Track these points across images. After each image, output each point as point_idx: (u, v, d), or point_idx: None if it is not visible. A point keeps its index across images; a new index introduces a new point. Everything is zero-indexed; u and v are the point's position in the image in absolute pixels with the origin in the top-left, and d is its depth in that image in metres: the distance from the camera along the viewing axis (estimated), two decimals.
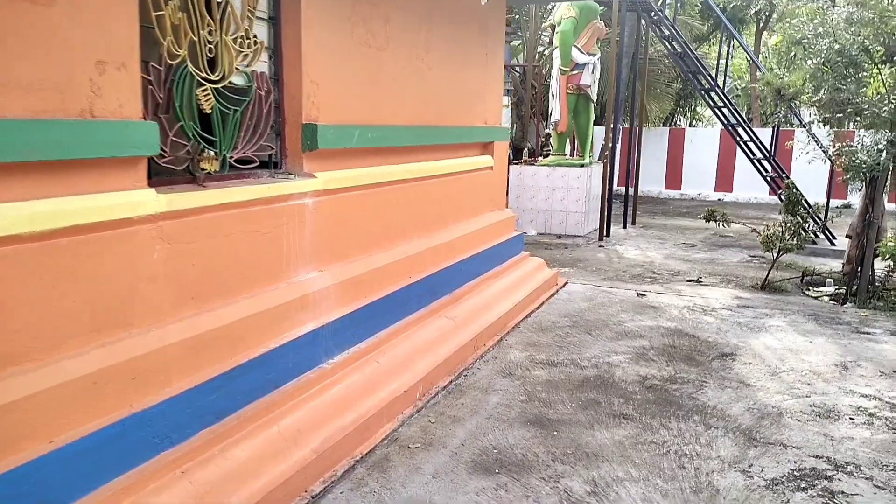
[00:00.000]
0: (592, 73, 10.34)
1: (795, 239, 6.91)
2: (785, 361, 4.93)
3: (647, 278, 7.66)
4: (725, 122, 10.66)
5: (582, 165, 10.56)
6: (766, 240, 6.86)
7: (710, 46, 22.14)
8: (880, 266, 6.82)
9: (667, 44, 11.11)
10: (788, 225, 6.89)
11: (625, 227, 11.50)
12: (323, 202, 3.74)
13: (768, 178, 9.77)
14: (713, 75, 11.19)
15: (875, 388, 4.45)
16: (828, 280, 7.49)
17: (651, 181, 16.82)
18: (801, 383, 4.52)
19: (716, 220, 7.29)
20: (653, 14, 10.54)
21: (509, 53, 14.29)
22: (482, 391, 4.30)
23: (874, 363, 4.92)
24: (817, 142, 9.48)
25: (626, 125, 14.82)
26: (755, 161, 10.06)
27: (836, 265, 8.49)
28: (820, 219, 9.71)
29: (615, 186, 17.20)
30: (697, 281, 7.53)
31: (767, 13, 20.37)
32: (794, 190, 7.21)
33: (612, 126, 10.37)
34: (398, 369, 4.07)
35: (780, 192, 9.49)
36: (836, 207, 13.88)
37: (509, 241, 6.57)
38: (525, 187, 10.88)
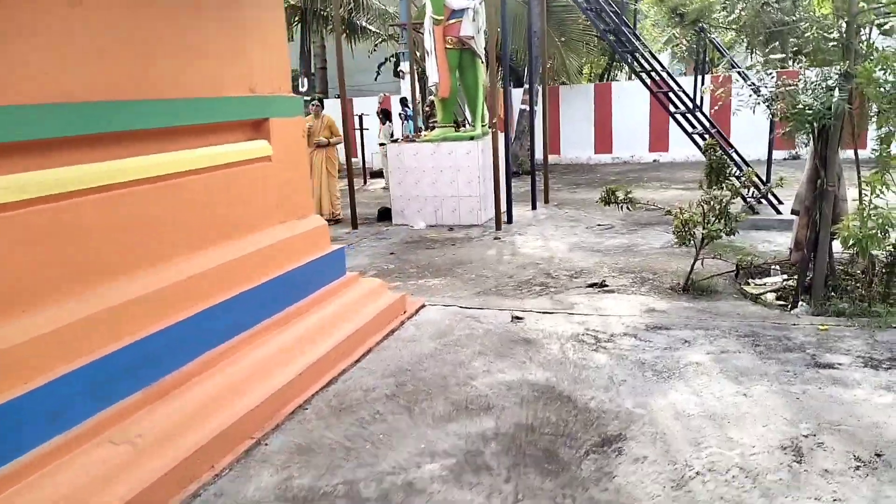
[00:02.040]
0: (474, 20, 8.26)
1: (723, 221, 5.00)
2: (702, 446, 3.02)
3: (537, 286, 5.71)
4: (650, 87, 8.61)
5: (472, 138, 8.53)
6: (681, 229, 4.93)
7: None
8: (840, 250, 4.99)
9: None
10: (712, 203, 4.98)
11: (534, 207, 9.54)
12: None
13: (694, 137, 7.89)
14: (636, 31, 9.07)
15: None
16: (773, 269, 5.64)
17: (578, 146, 14.92)
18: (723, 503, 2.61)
19: (616, 203, 5.34)
20: None
21: (406, 6, 12.10)
22: None
23: (844, 437, 3.04)
24: (746, 79, 7.64)
25: (544, 85, 12.77)
26: (677, 117, 8.13)
27: (784, 242, 6.66)
28: (761, 182, 7.88)
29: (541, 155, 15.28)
30: (601, 285, 5.60)
31: None
32: (718, 151, 5.28)
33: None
34: None
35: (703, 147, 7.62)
36: (783, 159, 12.11)
37: (317, 264, 4.53)
38: (407, 170, 8.83)
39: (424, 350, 4.36)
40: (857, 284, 4.91)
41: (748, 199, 7.15)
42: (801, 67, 5.12)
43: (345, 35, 16.59)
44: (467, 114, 9.30)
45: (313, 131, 9.05)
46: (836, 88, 4.37)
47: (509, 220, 8.57)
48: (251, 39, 4.08)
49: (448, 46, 8.40)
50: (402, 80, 13.59)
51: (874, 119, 4.80)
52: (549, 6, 13.87)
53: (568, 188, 11.47)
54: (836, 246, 4.77)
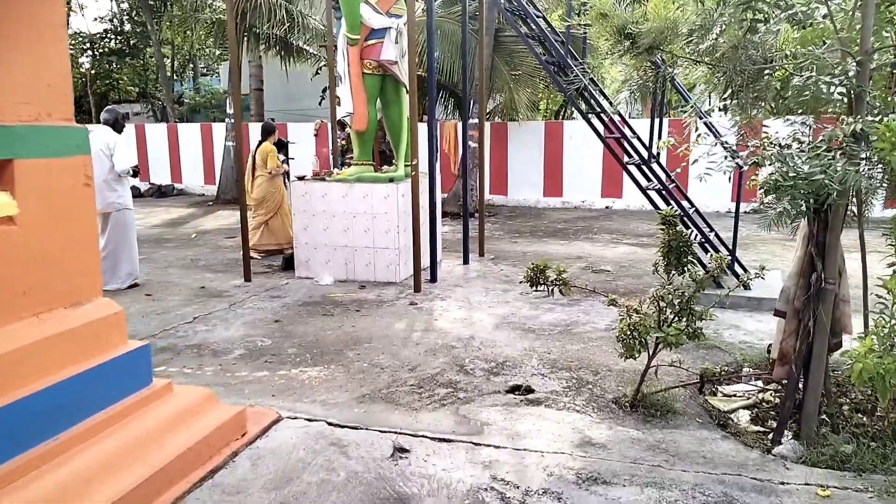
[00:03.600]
0: (397, 42, 6.94)
1: (685, 321, 3.70)
2: None
3: (443, 386, 4.32)
4: (598, 132, 7.25)
5: (391, 180, 7.16)
6: (628, 335, 3.59)
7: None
8: (835, 362, 3.75)
9: (509, 15, 7.62)
10: (670, 298, 3.67)
11: (465, 262, 8.19)
12: None
13: (650, 194, 6.64)
14: (585, 66, 7.71)
15: None
16: (745, 372, 4.37)
17: (526, 187, 13.73)
18: None
19: (545, 286, 3.99)
20: None
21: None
22: None
23: None
24: (714, 132, 6.50)
25: (490, 121, 11.27)
26: (631, 169, 6.88)
27: (755, 329, 5.43)
28: (727, 250, 6.70)
29: (488, 195, 14.05)
30: (525, 390, 4.24)
31: None
32: (675, 227, 3.99)
33: (430, 120, 6.97)
34: None
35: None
36: (744, 212, 11.05)
37: (98, 374, 3.05)
38: (314, 214, 7.40)
39: None
40: (861, 415, 3.66)
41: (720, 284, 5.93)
42: (785, 121, 3.92)
43: (280, 55, 15.22)
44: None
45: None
46: (844, 153, 3.14)
47: (433, 279, 7.20)
48: None
49: (366, 71, 7.05)
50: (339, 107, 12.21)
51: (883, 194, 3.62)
52: (498, 37, 12.78)
53: (509, 237, 10.18)
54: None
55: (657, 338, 3.64)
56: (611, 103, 7.41)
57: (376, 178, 7.25)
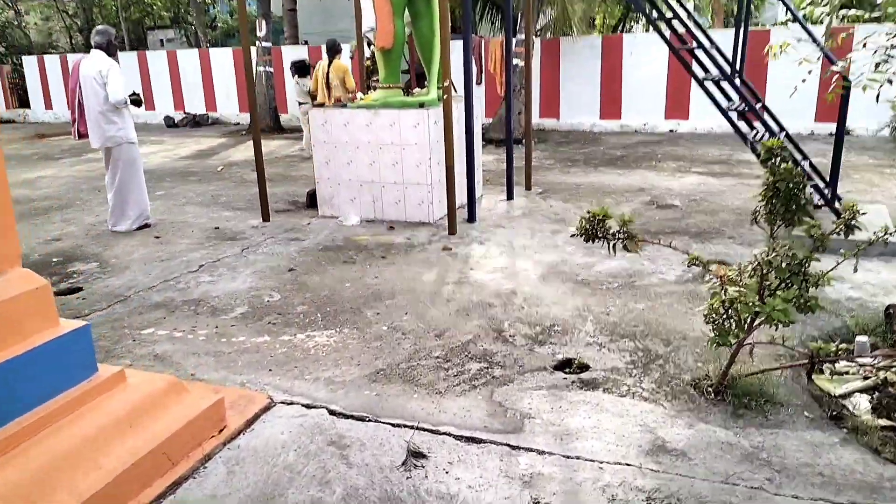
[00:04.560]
0: None
1: (799, 288, 2.74)
2: None
3: (475, 360, 3.50)
4: (671, 43, 6.02)
5: (422, 105, 6.20)
6: (721, 321, 2.65)
7: None
8: None
9: None
10: (780, 260, 2.70)
11: (510, 197, 7.23)
12: None
13: (731, 114, 5.48)
14: None
15: None
16: (857, 341, 3.40)
17: (580, 110, 12.49)
18: None
19: (605, 241, 3.07)
20: None
21: None
22: None
23: None
24: (815, 41, 5.26)
25: (534, 35, 9.81)
26: (708, 86, 5.69)
27: (862, 281, 4.40)
28: (823, 182, 5.56)
29: (537, 119, 12.83)
30: (579, 367, 3.40)
31: None
32: (787, 161, 2.97)
33: (466, 34, 5.90)
34: None
35: (752, 140, 5.28)
36: (829, 134, 9.66)
37: (16, 365, 2.33)
38: (336, 145, 6.53)
39: None
40: None
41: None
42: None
43: None
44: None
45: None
46: None
47: (470, 218, 6.31)
48: None
49: None
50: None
51: None
52: None
53: (561, 166, 9.12)
54: None
55: (755, 312, 2.70)
56: (689, 13, 6.15)
57: (405, 102, 6.29)
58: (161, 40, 21.14)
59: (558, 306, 4.19)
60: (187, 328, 4.14)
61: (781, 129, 5.83)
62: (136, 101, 6.35)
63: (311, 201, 7.21)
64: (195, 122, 16.11)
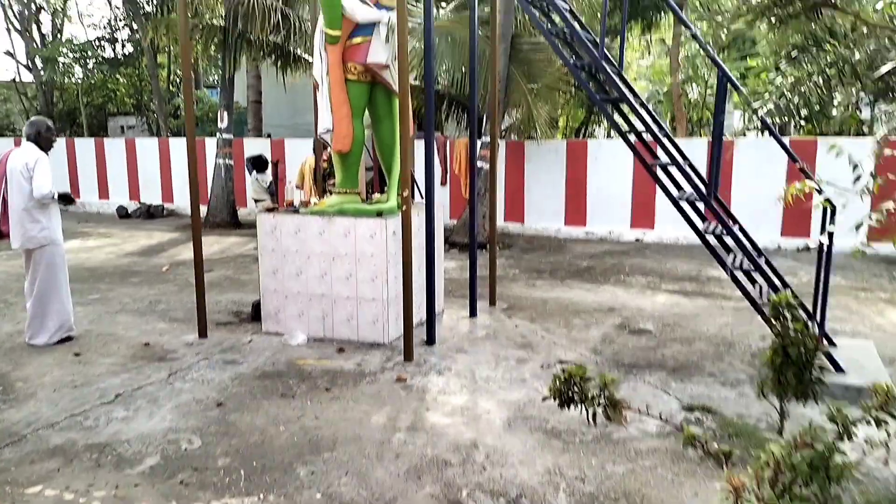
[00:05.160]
0: (388, 41, 5.56)
1: (818, 482, 2.22)
2: None
3: None
4: (644, 160, 5.72)
5: (379, 213, 5.76)
6: None
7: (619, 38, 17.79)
8: None
9: (536, 13, 6.13)
10: (798, 460, 2.19)
11: (473, 313, 6.72)
12: None
13: (708, 237, 5.13)
14: (621, 71, 6.19)
15: None
16: None
17: (545, 215, 12.28)
18: None
19: (583, 406, 2.55)
20: None
21: None
22: None
23: None
24: (789, 152, 4.97)
25: (504, 138, 9.44)
26: (676, 199, 5.37)
27: (872, 437, 3.90)
28: (807, 314, 5.16)
29: (502, 222, 12.55)
30: None
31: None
32: (798, 320, 2.52)
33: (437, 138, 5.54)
34: None
35: (731, 268, 4.91)
36: (797, 250, 9.54)
37: None
38: (285, 254, 6.01)
39: None
40: None
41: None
42: None
43: (279, 65, 13.94)
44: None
45: None
46: None
47: (429, 340, 5.76)
48: None
49: (350, 77, 5.68)
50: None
51: None
52: (515, 45, 11.41)
53: (526, 277, 8.71)
54: None
55: None
56: (656, 120, 5.93)
57: (361, 210, 5.84)
58: (122, 126, 20.75)
59: (526, 467, 3.60)
60: (82, 488, 3.42)
61: (758, 251, 5.49)
62: (65, 197, 5.78)
63: (257, 313, 6.58)
64: (149, 214, 15.48)
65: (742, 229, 5.45)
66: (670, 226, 11.09)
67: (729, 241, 5.24)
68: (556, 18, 6.31)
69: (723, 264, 4.89)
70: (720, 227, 5.17)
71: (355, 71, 5.65)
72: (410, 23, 10.71)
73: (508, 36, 10.96)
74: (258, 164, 10.14)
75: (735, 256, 5.31)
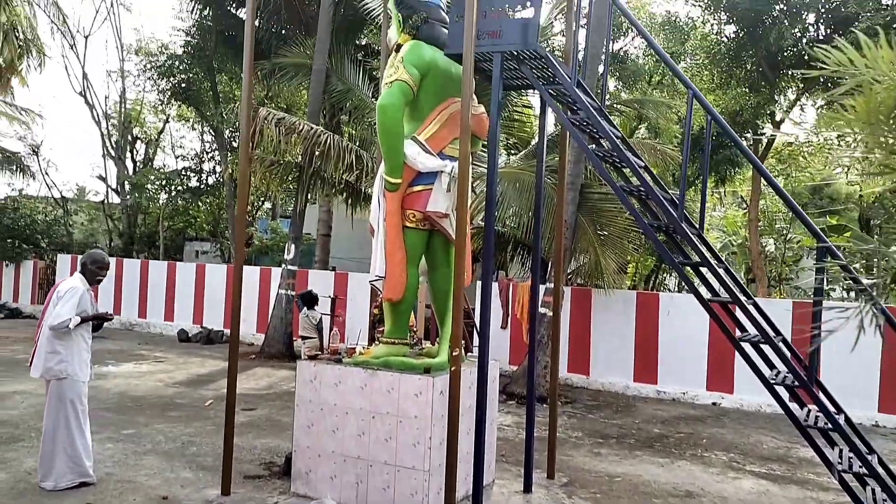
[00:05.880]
0: (449, 190, 5.32)
1: None
2: None
3: None
4: (724, 326, 5.17)
5: (427, 370, 5.24)
6: None
7: (696, 191, 17.50)
8: None
9: (580, 135, 5.73)
10: None
11: (527, 488, 5.92)
12: None
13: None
14: (701, 232, 5.72)
15: None
16: None
17: (613, 369, 11.45)
18: None
19: None
20: (553, 77, 5.46)
21: None
22: None
23: None
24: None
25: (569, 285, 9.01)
26: (771, 383, 4.64)
27: None
28: None
29: (565, 374, 11.76)
30: None
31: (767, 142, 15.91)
32: None
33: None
34: None
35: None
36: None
37: None
38: (323, 408, 5.51)
39: None
40: None
41: None
42: None
43: (349, 202, 14.21)
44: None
45: None
46: None
47: None
48: None
49: (408, 224, 5.40)
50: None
51: None
52: (584, 193, 11.21)
53: (590, 442, 7.84)
54: None
55: None
56: (737, 282, 5.34)
57: (407, 364, 5.34)
58: (196, 251, 21.49)
59: None
60: None
61: (839, 410, 4.63)
62: (98, 320, 5.58)
63: (289, 467, 6.00)
64: (208, 339, 15.47)
65: (848, 420, 4.62)
66: (752, 391, 10.05)
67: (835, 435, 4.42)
68: (627, 171, 5.98)
69: (829, 466, 4.07)
70: (822, 416, 4.38)
71: (414, 219, 5.39)
72: (479, 168, 10.74)
73: (578, 185, 10.78)
74: (308, 300, 9.98)
75: (841, 451, 4.47)
